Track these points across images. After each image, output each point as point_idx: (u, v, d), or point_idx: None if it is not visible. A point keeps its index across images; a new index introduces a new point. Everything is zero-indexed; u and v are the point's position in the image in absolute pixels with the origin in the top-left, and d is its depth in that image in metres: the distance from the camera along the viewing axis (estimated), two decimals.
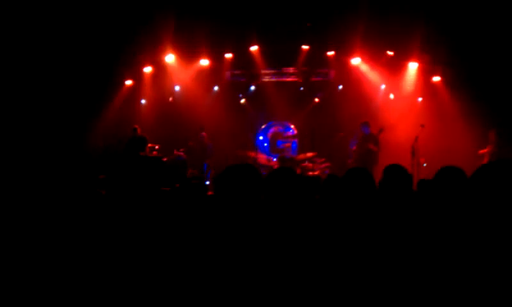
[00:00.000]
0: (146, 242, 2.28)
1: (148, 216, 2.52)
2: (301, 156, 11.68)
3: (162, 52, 11.40)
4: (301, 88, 13.09)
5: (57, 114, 10.26)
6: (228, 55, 11.89)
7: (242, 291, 2.01)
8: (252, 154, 11.95)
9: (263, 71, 12.68)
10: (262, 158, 12.01)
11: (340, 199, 3.00)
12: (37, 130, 9.77)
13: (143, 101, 12.62)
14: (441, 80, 11.59)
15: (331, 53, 11.70)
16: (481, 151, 9.89)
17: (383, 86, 12.44)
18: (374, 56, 11.45)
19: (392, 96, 12.46)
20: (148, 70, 12.00)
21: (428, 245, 2.39)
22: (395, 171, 3.16)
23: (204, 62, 11.81)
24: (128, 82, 12.12)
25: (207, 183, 10.44)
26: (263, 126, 13.76)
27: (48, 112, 10.08)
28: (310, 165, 11.09)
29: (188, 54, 11.55)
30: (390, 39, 10.77)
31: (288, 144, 12.22)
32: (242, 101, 13.38)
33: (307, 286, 2.10)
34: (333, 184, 3.97)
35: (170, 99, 12.77)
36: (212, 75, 12.45)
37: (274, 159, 11.96)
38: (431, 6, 9.46)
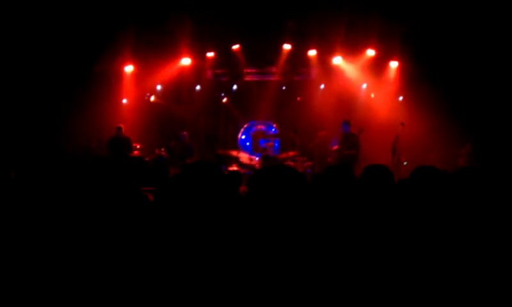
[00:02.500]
0: (132, 242, 2.27)
1: (134, 216, 2.51)
2: (283, 155, 11.73)
3: (144, 51, 11.32)
4: (283, 87, 13.14)
5: (36, 114, 10.13)
6: (210, 54, 11.87)
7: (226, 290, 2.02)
8: (234, 153, 11.94)
9: (245, 71, 12.69)
10: (244, 157, 12.01)
11: (321, 196, 3.02)
12: (16, 131, 9.64)
13: (125, 100, 12.52)
14: (421, 80, 11.73)
15: (312, 52, 11.76)
16: (461, 150, 10.08)
17: (364, 85, 12.55)
18: (355, 56, 11.55)
19: (372, 95, 12.59)
20: (129, 68, 11.90)
21: (406, 244, 2.43)
22: (376, 171, 3.18)
23: (186, 61, 11.76)
24: (110, 81, 12.01)
25: None
26: (245, 126, 13.77)
27: (27, 113, 9.95)
28: (292, 164, 11.14)
29: (170, 52, 11.49)
30: (371, 39, 10.87)
31: (270, 143, 12.23)
32: (224, 100, 13.37)
33: (292, 284, 2.11)
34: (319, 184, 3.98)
35: (152, 98, 12.69)
36: (193, 74, 12.41)
37: (257, 158, 11.98)
38: (412, 7, 9.58)
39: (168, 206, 2.29)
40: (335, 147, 10.85)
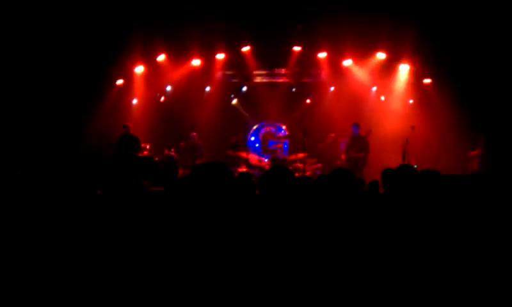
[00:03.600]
0: (143, 241, 2.27)
1: (143, 215, 2.52)
2: (293, 157, 11.71)
3: (154, 52, 11.36)
4: (293, 89, 13.12)
5: (48, 114, 10.20)
6: (220, 56, 11.89)
7: (232, 291, 2.01)
8: (244, 154, 11.94)
9: (255, 72, 12.69)
10: (253, 158, 12.00)
11: (326, 199, 3.01)
12: (28, 131, 9.70)
13: (135, 101, 12.57)
14: (432, 83, 11.67)
15: (322, 54, 11.74)
16: (471, 153, 9.99)
17: (374, 88, 12.50)
18: (366, 58, 11.50)
19: (383, 98, 12.53)
20: (139, 69, 11.95)
21: (408, 245, 2.41)
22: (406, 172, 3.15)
23: (196, 62, 11.79)
24: (120, 82, 12.07)
25: None
26: (255, 127, 13.76)
27: (38, 113, 10.01)
28: (302, 166, 11.11)
29: (180, 54, 11.52)
30: (381, 41, 10.82)
31: (280, 145, 12.21)
32: (234, 101, 13.37)
33: (300, 285, 2.10)
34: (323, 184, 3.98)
35: (162, 99, 12.74)
36: (203, 75, 12.43)
37: (266, 160, 11.97)
38: (422, 8, 9.53)
39: (179, 206, 2.29)
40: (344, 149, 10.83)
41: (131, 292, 2.06)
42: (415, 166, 9.99)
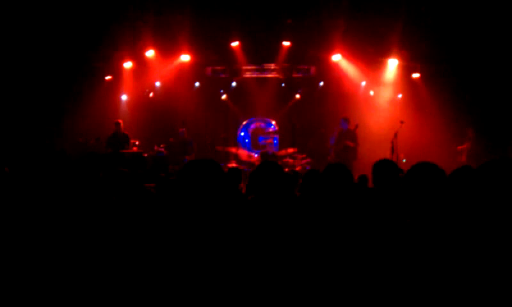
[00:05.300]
0: (133, 240, 2.26)
1: (134, 213, 2.51)
2: (283, 152, 11.73)
3: (142, 47, 11.28)
4: (282, 84, 13.12)
5: (35, 111, 10.10)
6: (209, 51, 11.84)
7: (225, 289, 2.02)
8: (233, 150, 11.93)
9: (244, 67, 12.65)
10: (243, 154, 12.00)
11: (319, 194, 3.01)
12: (14, 128, 9.60)
13: (124, 96, 12.49)
14: (421, 77, 11.73)
15: (312, 50, 11.74)
16: (459, 147, 10.08)
17: (363, 83, 12.54)
18: (355, 53, 11.52)
19: (372, 92, 12.58)
20: (128, 65, 11.85)
21: (402, 240, 2.42)
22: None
23: (185, 57, 11.73)
24: (108, 78, 11.97)
25: None
26: (244, 123, 13.75)
27: (26, 110, 9.91)
28: (291, 161, 11.14)
29: (169, 49, 11.45)
30: (370, 36, 10.85)
31: (269, 140, 12.22)
32: (224, 97, 13.35)
33: (294, 283, 2.11)
34: (313, 179, 3.99)
35: (151, 95, 12.66)
36: (193, 70, 12.37)
37: (256, 155, 11.97)
38: (411, 3, 9.58)
39: (170, 202, 2.28)
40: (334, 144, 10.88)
41: (126, 289, 2.05)
42: (404, 160, 10.07)
